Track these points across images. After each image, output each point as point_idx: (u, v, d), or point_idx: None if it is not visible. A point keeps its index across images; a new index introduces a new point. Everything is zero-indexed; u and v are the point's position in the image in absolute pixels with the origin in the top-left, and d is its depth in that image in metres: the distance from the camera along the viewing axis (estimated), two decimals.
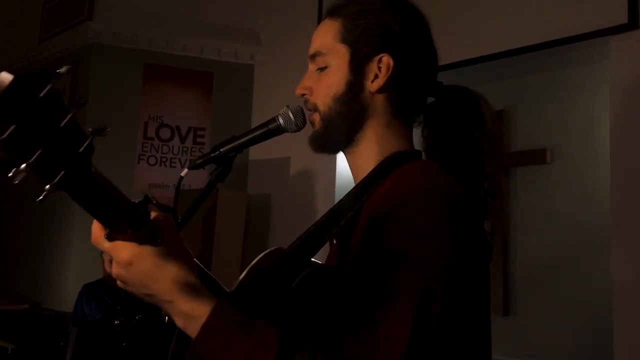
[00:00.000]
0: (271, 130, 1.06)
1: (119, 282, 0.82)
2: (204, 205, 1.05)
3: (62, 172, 0.58)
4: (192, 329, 0.80)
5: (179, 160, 4.54)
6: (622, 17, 2.63)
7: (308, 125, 1.10)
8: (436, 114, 1.11)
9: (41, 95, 0.55)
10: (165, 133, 4.55)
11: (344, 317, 0.84)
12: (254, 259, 1.03)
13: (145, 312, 3.45)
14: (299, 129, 1.07)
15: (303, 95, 1.07)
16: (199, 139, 4.59)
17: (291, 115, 1.06)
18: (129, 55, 4.62)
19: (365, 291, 0.84)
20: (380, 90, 1.04)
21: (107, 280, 3.80)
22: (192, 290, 0.80)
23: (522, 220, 3.39)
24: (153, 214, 0.79)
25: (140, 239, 0.77)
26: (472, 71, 3.24)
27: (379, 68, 1.03)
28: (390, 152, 1.05)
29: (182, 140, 4.57)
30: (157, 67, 4.61)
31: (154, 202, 0.79)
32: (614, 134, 2.70)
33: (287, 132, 1.07)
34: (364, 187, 1.01)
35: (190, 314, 0.80)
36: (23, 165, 0.55)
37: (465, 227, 0.90)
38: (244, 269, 1.05)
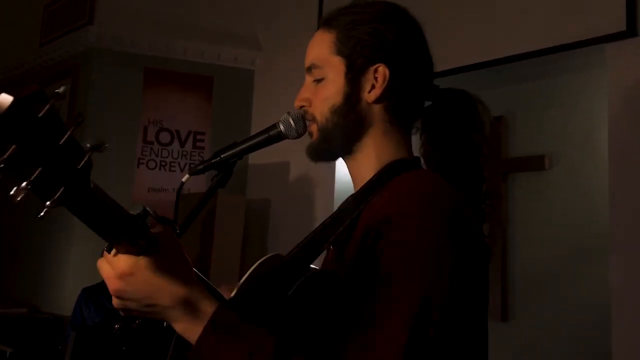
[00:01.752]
0: (272, 137, 1.07)
1: (115, 301, 0.81)
2: (203, 210, 1.05)
3: (62, 189, 0.60)
4: (193, 333, 0.81)
5: (179, 164, 4.55)
6: (621, 25, 2.64)
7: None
8: (434, 118, 1.12)
9: (40, 115, 0.57)
10: (165, 137, 4.56)
11: (342, 324, 0.85)
12: (252, 265, 1.04)
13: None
14: (299, 135, 1.08)
15: (302, 107, 1.08)
16: (198, 143, 4.60)
17: (292, 122, 1.06)
18: (129, 60, 4.63)
19: (363, 300, 0.85)
20: (377, 100, 1.05)
21: None
22: (193, 294, 0.81)
23: (521, 226, 3.39)
24: (152, 226, 0.80)
25: (139, 252, 0.77)
26: (470, 78, 3.25)
27: (375, 78, 1.04)
28: (389, 160, 1.06)
29: (182, 144, 4.58)
30: (158, 72, 4.62)
31: (152, 213, 0.80)
32: (612, 140, 2.71)
33: (288, 138, 1.08)
34: (362, 196, 1.03)
35: (192, 318, 0.80)
36: (24, 184, 0.57)
37: (462, 233, 0.91)
38: (243, 274, 1.05)
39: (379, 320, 0.82)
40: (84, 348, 3.19)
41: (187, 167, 4.52)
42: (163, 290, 0.79)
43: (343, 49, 1.04)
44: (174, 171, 4.52)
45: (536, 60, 3.00)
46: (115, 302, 0.82)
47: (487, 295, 0.99)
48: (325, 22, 1.09)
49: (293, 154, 3.84)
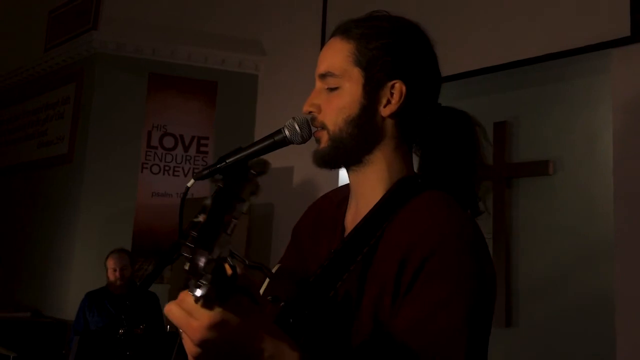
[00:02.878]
0: (277, 142, 1.06)
1: (194, 350, 0.77)
2: None
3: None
4: None
5: (182, 169, 4.55)
6: (625, 30, 2.64)
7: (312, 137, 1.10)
8: (431, 135, 1.12)
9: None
10: (168, 142, 4.57)
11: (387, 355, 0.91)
12: (257, 272, 1.03)
13: (149, 321, 3.45)
14: (304, 140, 1.07)
15: (310, 112, 1.08)
16: (202, 148, 4.61)
17: (297, 127, 1.06)
18: (133, 65, 4.65)
19: (414, 337, 0.90)
20: (391, 116, 1.05)
21: (111, 288, 3.80)
22: (278, 344, 0.81)
23: (525, 231, 3.38)
24: (237, 270, 0.79)
25: (222, 297, 0.75)
26: (476, 82, 3.25)
27: (392, 94, 1.04)
28: (398, 177, 1.07)
29: (186, 149, 4.59)
30: (162, 77, 4.63)
31: (239, 258, 0.78)
32: (616, 146, 2.71)
33: (293, 143, 1.07)
34: (379, 215, 1.03)
35: None
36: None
37: (486, 260, 0.98)
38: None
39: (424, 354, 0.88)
40: (88, 353, 3.19)
41: (190, 171, 4.52)
42: (250, 340, 0.78)
43: (362, 61, 1.04)
44: (178, 176, 4.53)
45: (540, 65, 3.00)
46: (193, 351, 0.77)
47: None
48: (342, 31, 1.08)
49: (297, 159, 3.83)
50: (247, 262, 0.80)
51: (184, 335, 0.77)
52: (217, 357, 0.78)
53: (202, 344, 0.75)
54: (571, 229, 3.19)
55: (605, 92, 2.94)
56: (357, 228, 1.03)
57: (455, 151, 1.10)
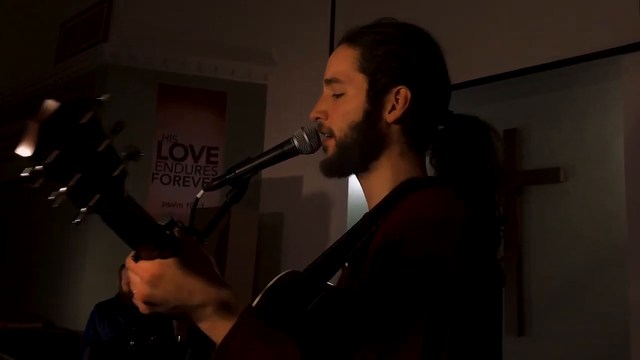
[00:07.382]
0: (286, 152, 1.07)
1: (143, 307, 0.83)
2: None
3: (98, 196, 0.61)
4: (219, 332, 0.82)
5: (192, 179, 4.57)
6: (636, 36, 2.63)
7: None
8: (446, 142, 1.12)
9: (82, 122, 0.59)
10: (179, 152, 4.59)
11: (357, 342, 0.85)
12: (268, 281, 1.03)
13: (160, 332, 3.45)
14: (313, 150, 1.08)
15: (317, 119, 1.08)
16: (212, 158, 4.62)
17: (306, 137, 1.06)
18: (143, 76, 4.68)
19: (376, 320, 0.85)
20: (396, 122, 1.05)
21: (123, 300, 3.80)
22: (223, 292, 0.83)
23: (536, 239, 3.36)
24: (179, 237, 0.81)
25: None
26: (486, 90, 3.24)
27: (397, 100, 1.04)
28: (405, 179, 1.05)
29: (196, 159, 4.60)
30: (172, 88, 4.66)
31: (180, 224, 0.81)
32: (628, 152, 2.68)
33: (302, 153, 1.07)
34: (378, 212, 1.02)
35: (222, 315, 0.82)
36: (62, 189, 0.58)
37: (474, 252, 0.90)
38: (256, 288, 1.05)
39: (391, 342, 0.82)
40: None
41: (200, 181, 4.54)
42: (193, 290, 0.81)
43: (367, 67, 1.04)
44: (188, 186, 4.54)
45: (551, 72, 2.99)
46: (142, 308, 0.83)
47: (501, 318, 0.97)
48: (349, 38, 1.09)
49: (306, 168, 3.84)
50: (184, 225, 0.82)
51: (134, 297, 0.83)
52: (164, 311, 0.83)
53: (146, 299, 0.81)
54: (583, 237, 3.16)
55: (616, 98, 2.92)
56: (355, 226, 1.03)
57: (472, 158, 1.09)
